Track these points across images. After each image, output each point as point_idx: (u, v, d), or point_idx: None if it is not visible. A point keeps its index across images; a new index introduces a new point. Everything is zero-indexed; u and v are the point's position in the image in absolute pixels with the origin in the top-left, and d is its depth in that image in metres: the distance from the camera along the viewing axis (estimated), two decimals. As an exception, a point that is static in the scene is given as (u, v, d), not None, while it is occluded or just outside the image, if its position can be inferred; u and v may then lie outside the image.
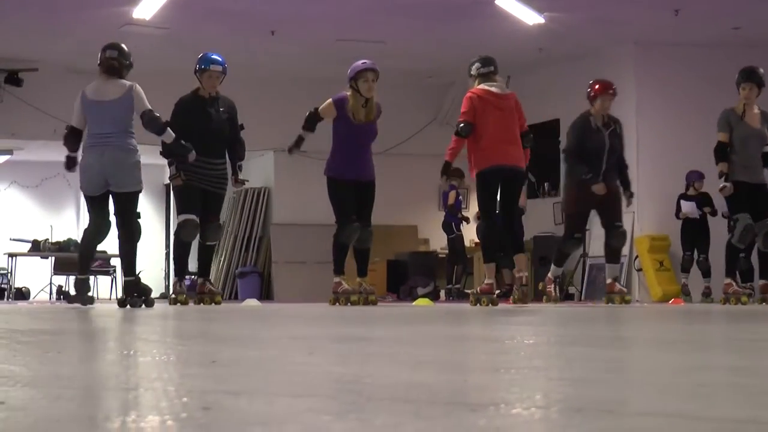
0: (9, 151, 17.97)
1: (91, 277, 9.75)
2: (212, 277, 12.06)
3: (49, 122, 14.47)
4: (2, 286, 16.97)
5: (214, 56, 9.29)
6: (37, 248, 16.63)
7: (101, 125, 8.04)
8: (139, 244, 8.34)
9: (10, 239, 17.15)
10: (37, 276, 17.43)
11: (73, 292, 8.53)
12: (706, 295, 13.08)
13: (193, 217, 9.13)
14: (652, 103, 14.26)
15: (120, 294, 10.52)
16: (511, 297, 9.37)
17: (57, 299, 15.75)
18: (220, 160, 9.26)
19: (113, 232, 8.30)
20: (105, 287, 17.39)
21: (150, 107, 8.07)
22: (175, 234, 9.47)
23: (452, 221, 14.76)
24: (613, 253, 9.65)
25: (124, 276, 8.46)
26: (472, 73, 8.98)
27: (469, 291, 11.33)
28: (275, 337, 3.91)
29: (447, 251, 15.29)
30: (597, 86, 9.51)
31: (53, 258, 16.65)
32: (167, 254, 19.57)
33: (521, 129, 8.89)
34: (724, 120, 9.80)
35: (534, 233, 14.87)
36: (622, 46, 14.25)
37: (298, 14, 12.98)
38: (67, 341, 3.68)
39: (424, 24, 13.39)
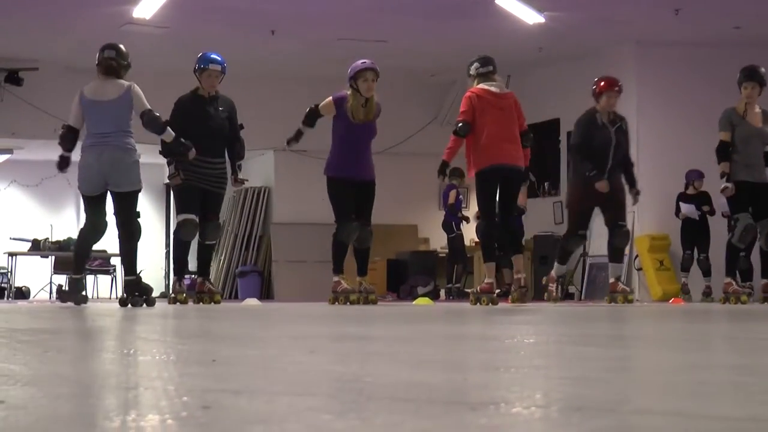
0: (9, 151, 17.96)
1: (87, 277, 9.74)
2: (212, 276, 12.07)
3: (49, 121, 14.45)
4: (2, 285, 16.98)
5: (213, 56, 9.30)
6: (37, 247, 16.66)
7: (100, 125, 8.04)
8: (139, 244, 8.34)
9: (10, 238, 17.17)
10: (37, 275, 17.43)
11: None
12: (706, 294, 13.08)
13: (192, 216, 9.13)
14: (652, 103, 14.24)
15: (120, 293, 10.52)
16: (510, 297, 9.37)
17: (57, 298, 15.74)
18: (219, 159, 9.27)
19: (112, 232, 8.31)
20: (105, 286, 17.41)
21: (149, 107, 8.07)
22: (175, 233, 9.48)
23: (452, 220, 14.76)
24: (616, 252, 9.62)
25: (125, 275, 8.47)
26: (471, 72, 8.98)
27: (469, 290, 11.33)
28: (275, 336, 3.91)
29: (447, 250, 15.29)
30: (602, 83, 9.48)
31: (53, 257, 16.68)
32: (167, 253, 19.56)
33: (521, 128, 8.89)
34: (726, 119, 9.78)
35: (534, 233, 14.89)
36: (622, 46, 14.23)
37: (299, 13, 12.98)
38: (66, 340, 3.68)
39: (424, 23, 13.38)
